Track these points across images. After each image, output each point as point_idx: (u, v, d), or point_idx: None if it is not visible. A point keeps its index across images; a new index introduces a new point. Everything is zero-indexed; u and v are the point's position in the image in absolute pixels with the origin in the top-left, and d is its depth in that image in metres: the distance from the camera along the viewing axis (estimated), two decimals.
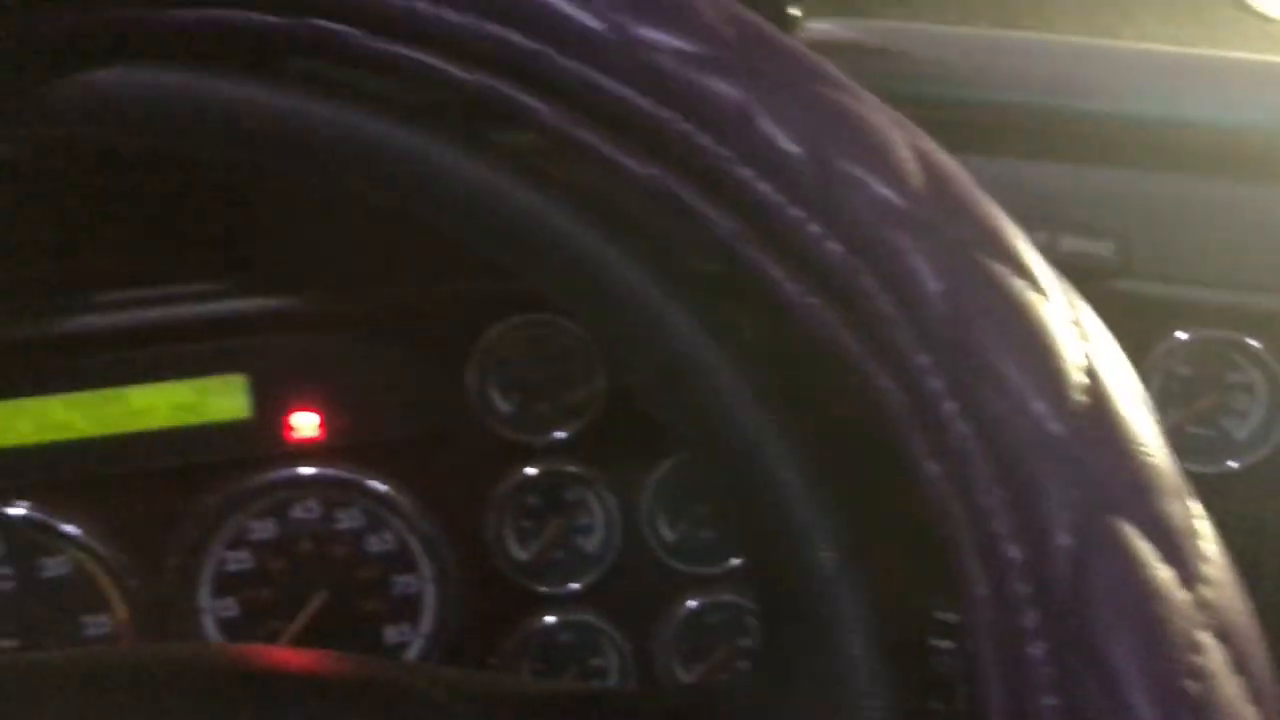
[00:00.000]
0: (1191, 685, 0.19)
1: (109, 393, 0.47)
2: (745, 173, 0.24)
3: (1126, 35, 0.49)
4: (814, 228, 0.24)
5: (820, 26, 0.42)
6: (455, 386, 0.49)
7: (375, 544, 0.50)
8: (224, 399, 0.48)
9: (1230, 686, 0.19)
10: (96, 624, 0.49)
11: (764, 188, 0.24)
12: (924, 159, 0.24)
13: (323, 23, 0.27)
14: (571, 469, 0.50)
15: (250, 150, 0.29)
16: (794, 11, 0.40)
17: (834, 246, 0.23)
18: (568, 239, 0.29)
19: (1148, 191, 0.41)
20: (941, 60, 0.40)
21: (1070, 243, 0.39)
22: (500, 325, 0.49)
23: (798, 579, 0.27)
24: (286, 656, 0.32)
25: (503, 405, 0.50)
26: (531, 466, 0.50)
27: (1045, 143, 0.41)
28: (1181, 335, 0.45)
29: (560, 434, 0.50)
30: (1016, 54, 0.42)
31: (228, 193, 0.46)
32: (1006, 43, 0.44)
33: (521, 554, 0.51)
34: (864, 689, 0.25)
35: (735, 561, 0.51)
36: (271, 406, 0.48)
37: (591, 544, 0.52)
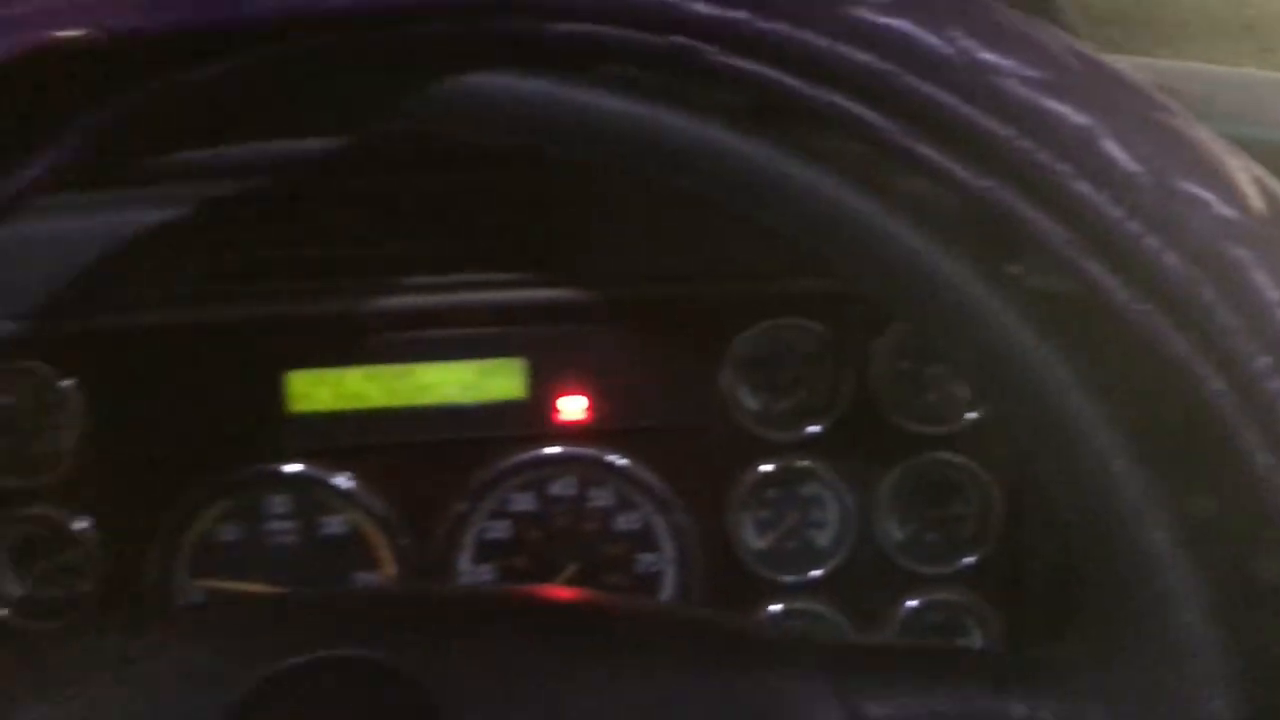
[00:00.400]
0: None
1: (401, 368, 0.51)
2: (1084, 188, 0.27)
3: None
4: (1152, 241, 0.26)
5: None
6: (709, 383, 0.53)
7: (623, 523, 0.54)
8: (503, 380, 0.52)
9: None
10: (366, 580, 0.53)
11: (1104, 201, 0.27)
12: (1260, 183, 0.27)
13: (688, 40, 0.31)
14: (810, 466, 0.54)
15: (599, 151, 0.33)
16: None
17: (1172, 259, 0.26)
18: (900, 245, 0.32)
19: None
20: (1224, 98, 0.43)
21: None
22: (754, 328, 0.52)
23: (1129, 558, 0.29)
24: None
25: (750, 402, 0.53)
26: (773, 461, 0.53)
27: None
28: None
29: (802, 433, 0.53)
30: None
31: (518, 193, 0.50)
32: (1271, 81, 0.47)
33: (758, 543, 0.54)
34: (1198, 652, 0.28)
35: (965, 561, 0.54)
36: (544, 389, 0.52)
37: (824, 538, 0.55)
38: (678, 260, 0.50)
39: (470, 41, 0.32)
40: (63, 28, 0.27)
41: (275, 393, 0.51)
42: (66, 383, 0.50)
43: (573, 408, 0.52)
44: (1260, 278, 0.25)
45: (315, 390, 0.51)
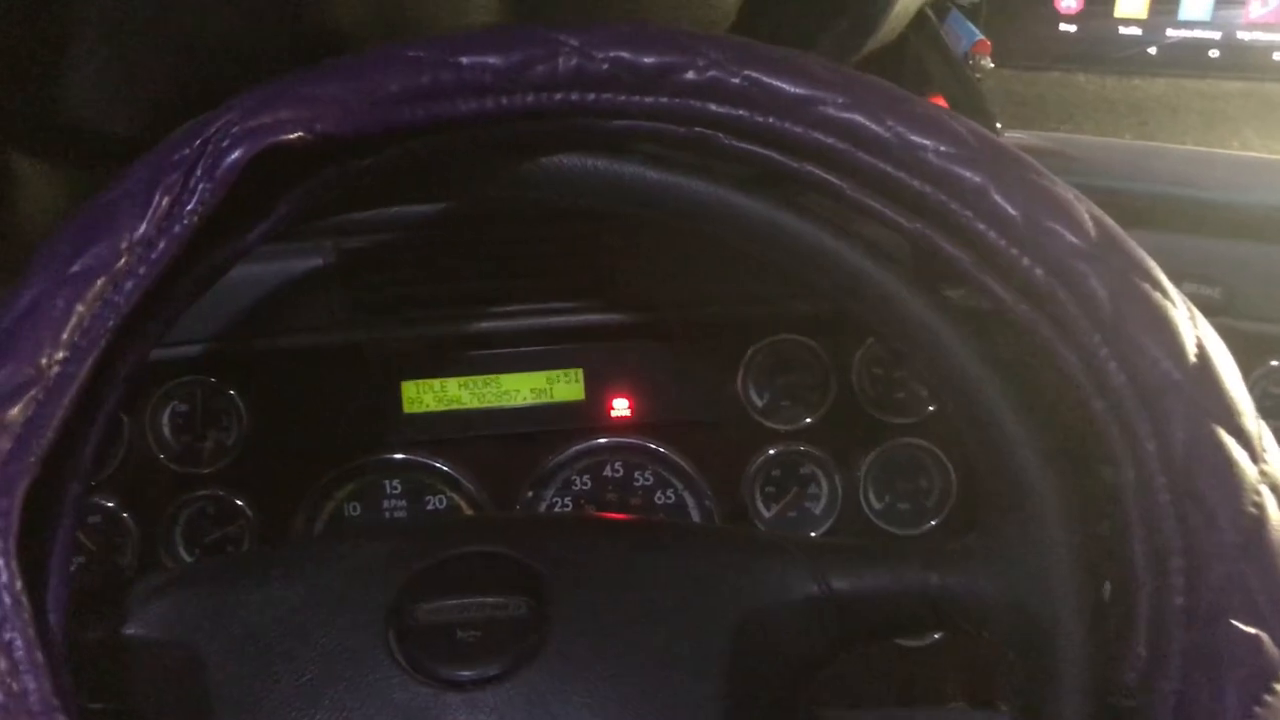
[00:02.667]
0: (1253, 511, 0.35)
1: (488, 378, 0.66)
2: (980, 226, 0.41)
3: (1233, 145, 0.67)
4: (1025, 260, 0.40)
5: (1015, 135, 0.61)
6: (727, 385, 0.67)
7: (660, 499, 0.68)
8: (566, 386, 0.66)
9: (1276, 514, 0.36)
10: None
11: (993, 235, 0.40)
12: (1095, 219, 0.40)
13: (706, 130, 0.44)
14: (806, 450, 0.68)
15: (643, 208, 0.47)
16: (998, 125, 0.59)
17: (1039, 272, 0.40)
18: (865, 274, 0.45)
19: (1247, 254, 0.59)
20: (1101, 161, 0.58)
21: (1189, 287, 0.56)
22: (762, 342, 0.67)
23: (1011, 480, 0.43)
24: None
25: (759, 400, 0.68)
26: (777, 447, 0.68)
27: (1175, 220, 0.58)
28: (1275, 362, 0.62)
29: (799, 424, 0.68)
30: (1153, 158, 0.60)
31: (577, 241, 0.64)
32: (1145, 149, 0.62)
33: (766, 513, 0.69)
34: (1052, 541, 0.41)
35: (930, 524, 0.68)
36: (598, 393, 0.67)
37: (818, 508, 0.69)
38: (702, 289, 0.65)
39: (554, 134, 0.45)
40: (287, 133, 0.37)
41: (392, 398, 0.66)
42: (231, 392, 0.65)
43: (620, 407, 0.67)
44: (1094, 282, 0.38)
45: (423, 396, 0.66)
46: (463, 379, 0.66)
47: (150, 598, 0.43)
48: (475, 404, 0.66)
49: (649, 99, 0.42)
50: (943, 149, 0.40)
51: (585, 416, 0.67)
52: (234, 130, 0.37)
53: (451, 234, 0.64)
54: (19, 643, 0.31)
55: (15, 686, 0.30)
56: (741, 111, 0.42)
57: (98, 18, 0.48)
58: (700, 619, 0.44)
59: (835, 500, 0.69)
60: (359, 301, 0.63)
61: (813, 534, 0.69)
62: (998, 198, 0.39)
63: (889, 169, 0.41)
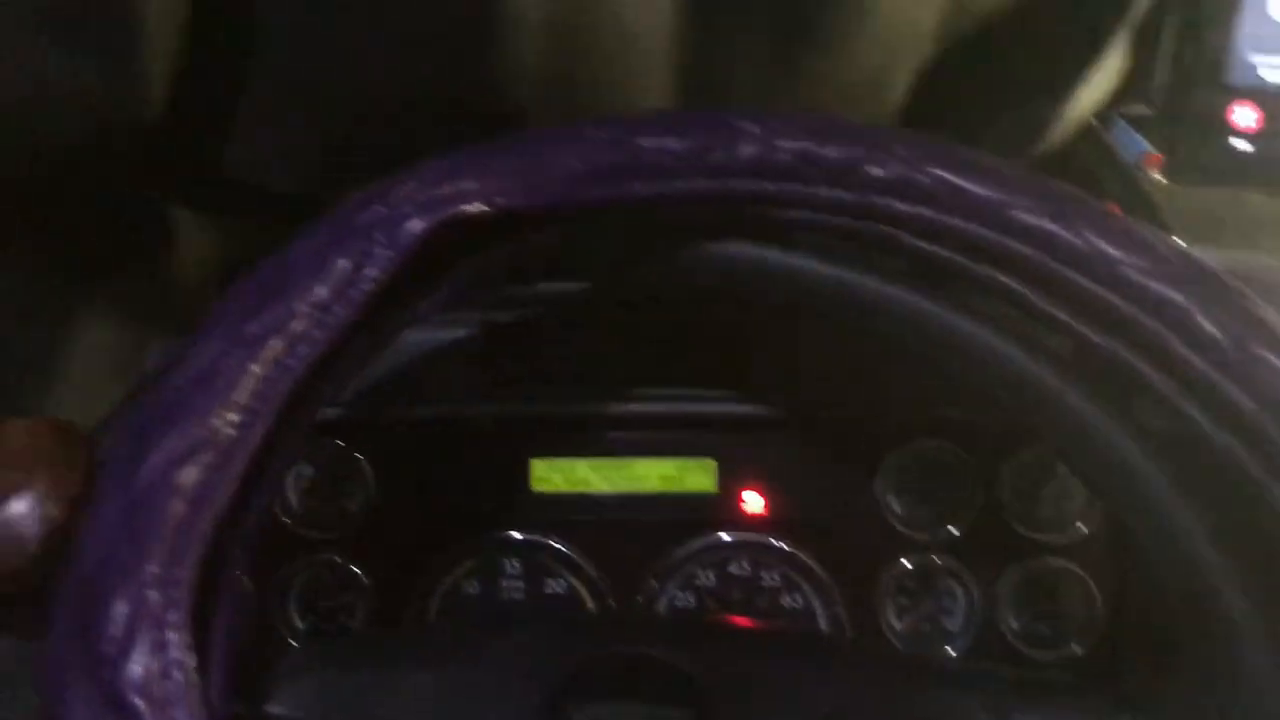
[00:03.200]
0: None
1: (619, 461, 0.64)
2: (1181, 350, 0.38)
3: None
4: (1232, 390, 0.37)
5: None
6: (864, 488, 0.64)
7: (787, 601, 0.65)
8: (698, 475, 0.64)
9: None
10: None
11: (1196, 360, 0.38)
12: None
13: (889, 229, 0.43)
14: (944, 562, 0.65)
15: (807, 303, 0.46)
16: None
17: (1248, 404, 0.37)
18: (1044, 385, 0.43)
19: None
20: None
21: None
22: (905, 446, 0.64)
23: (1212, 622, 0.40)
24: None
25: (897, 506, 0.65)
26: (914, 556, 0.65)
27: None
28: None
29: (939, 534, 0.65)
30: None
31: (719, 328, 0.63)
32: None
33: (898, 624, 0.65)
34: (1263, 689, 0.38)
35: (1072, 649, 0.64)
36: (731, 485, 0.64)
37: (953, 623, 0.65)
38: (846, 386, 0.63)
39: (725, 221, 0.44)
40: (469, 204, 0.37)
41: (520, 475, 0.64)
42: (360, 458, 0.64)
43: (752, 502, 0.65)
44: None
45: (551, 475, 0.64)
46: (593, 460, 0.64)
47: (296, 676, 0.42)
48: (604, 487, 0.64)
49: (832, 192, 0.41)
50: (1142, 264, 0.38)
51: (716, 509, 0.65)
52: (417, 198, 0.36)
53: (593, 312, 0.63)
54: None
55: None
56: (928, 211, 0.41)
57: (273, 75, 0.48)
58: None
59: (972, 616, 0.65)
60: (495, 375, 0.62)
61: (948, 649, 0.65)
62: (1202, 320, 0.37)
63: (1082, 281, 0.39)
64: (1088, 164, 0.64)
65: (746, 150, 0.41)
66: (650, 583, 0.65)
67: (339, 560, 0.64)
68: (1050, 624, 0.65)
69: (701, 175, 0.41)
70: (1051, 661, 0.65)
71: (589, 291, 0.61)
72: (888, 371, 0.62)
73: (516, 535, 0.65)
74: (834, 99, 0.54)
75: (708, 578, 0.66)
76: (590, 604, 0.65)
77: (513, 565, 0.65)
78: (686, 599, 0.66)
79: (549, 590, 0.65)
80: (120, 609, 0.29)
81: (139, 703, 0.28)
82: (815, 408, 0.63)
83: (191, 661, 0.30)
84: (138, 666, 0.28)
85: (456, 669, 0.43)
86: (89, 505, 0.34)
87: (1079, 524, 0.64)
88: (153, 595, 0.29)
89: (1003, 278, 0.41)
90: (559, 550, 0.65)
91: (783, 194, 0.41)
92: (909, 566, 0.65)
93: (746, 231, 0.44)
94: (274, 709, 0.41)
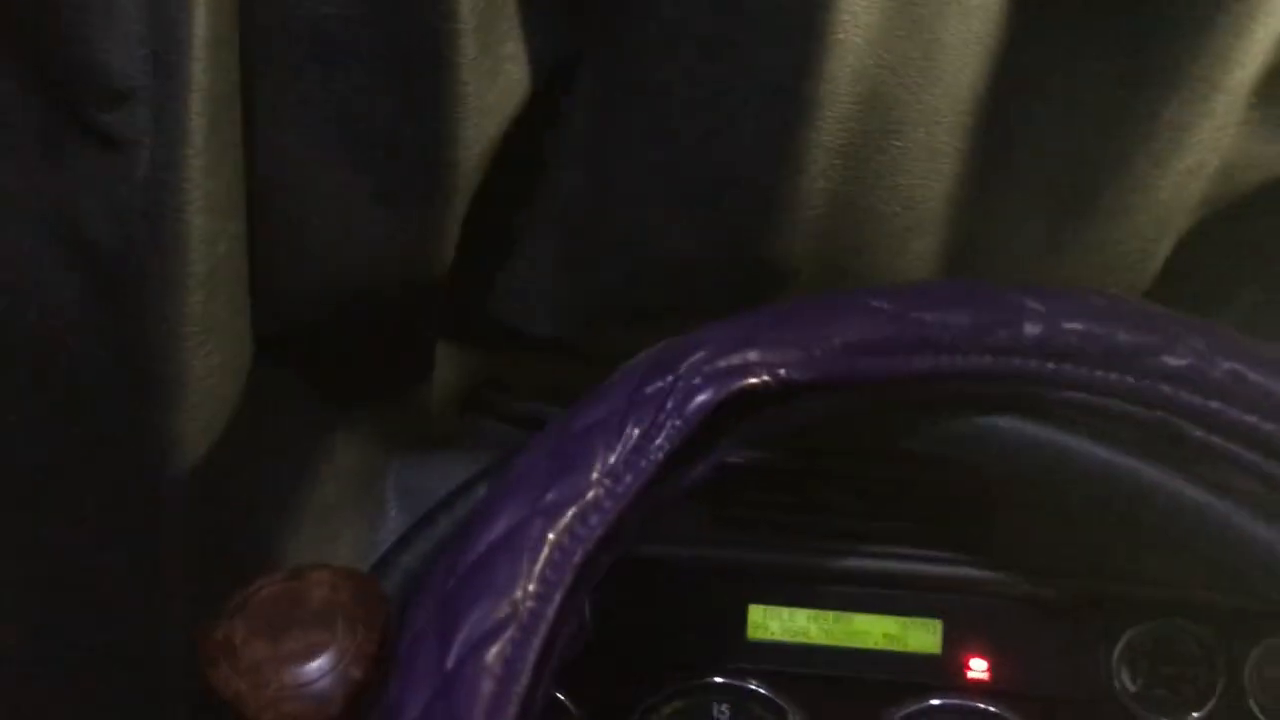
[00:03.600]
0: None
1: (840, 614, 0.63)
2: None
3: None
4: None
5: None
6: (1100, 664, 0.61)
7: None
8: (922, 635, 0.62)
9: None
10: None
11: None
12: None
13: (1175, 419, 0.41)
14: None
15: (1078, 488, 0.44)
16: None
17: None
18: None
19: None
20: None
21: None
22: (1144, 624, 0.61)
23: None
24: None
25: (1132, 685, 0.62)
26: None
27: None
28: None
29: (1176, 718, 0.61)
30: None
31: (951, 490, 0.61)
32: None
33: None
34: None
35: None
36: (955, 649, 0.62)
37: None
38: (1084, 559, 0.60)
39: (998, 398, 0.43)
40: (756, 376, 0.37)
41: (737, 620, 0.63)
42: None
43: (978, 668, 0.62)
44: None
45: (769, 622, 0.63)
46: (813, 611, 0.63)
47: None
48: (823, 640, 0.63)
49: (1115, 376, 0.40)
50: None
51: (938, 672, 0.62)
52: (706, 369, 0.36)
53: (827, 463, 0.62)
54: None
55: None
56: (1218, 405, 0.39)
57: (556, 229, 0.49)
58: None
59: None
60: (720, 518, 0.62)
61: None
62: None
63: None
64: None
65: (1031, 329, 0.40)
66: None
67: (552, 694, 0.64)
68: None
69: (982, 352, 0.40)
70: None
71: (824, 442, 0.60)
72: (1132, 546, 0.59)
73: (728, 681, 0.63)
74: (1098, 269, 0.52)
75: None
76: None
77: (721, 710, 0.64)
78: None
79: None
80: None
81: None
82: (1052, 577, 0.61)
83: None
84: None
85: None
86: (387, 664, 0.34)
87: None
88: None
89: (1268, 465, 0.39)
90: (771, 700, 0.63)
91: (1064, 375, 0.40)
92: None
93: (1018, 408, 0.43)
94: None
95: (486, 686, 0.31)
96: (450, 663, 0.31)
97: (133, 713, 0.49)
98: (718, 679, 0.63)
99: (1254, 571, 0.42)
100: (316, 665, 0.34)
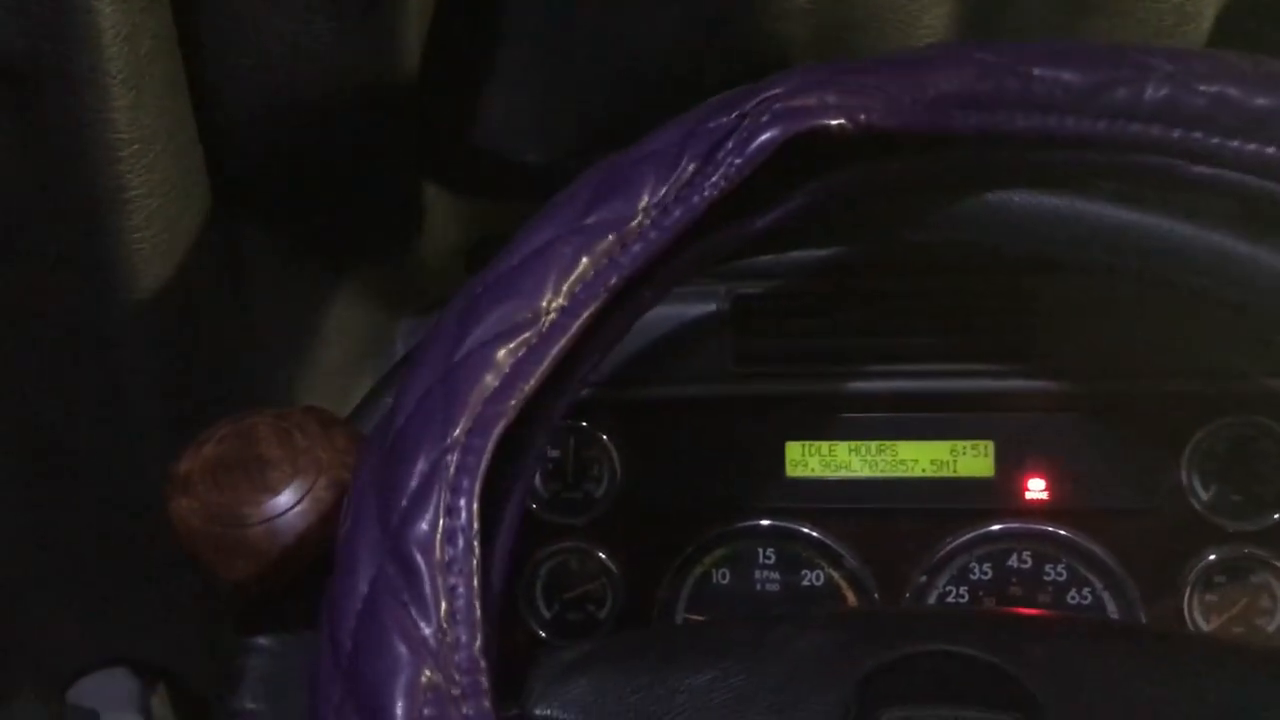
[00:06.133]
0: None
1: (883, 443, 0.59)
2: None
3: None
4: None
5: None
6: (1165, 472, 0.57)
7: (1074, 598, 0.59)
8: (973, 459, 0.58)
9: None
10: None
11: None
12: None
13: (1161, 159, 0.36)
14: (1260, 554, 0.57)
15: (1110, 255, 0.39)
16: None
17: None
18: None
19: None
20: None
21: None
22: (1213, 424, 0.57)
23: None
24: None
25: (1204, 491, 0.57)
26: (1223, 548, 0.57)
27: None
28: None
29: (1254, 522, 0.57)
30: None
31: (992, 295, 0.57)
32: None
33: (1205, 624, 0.58)
34: None
35: None
36: (1009, 470, 0.58)
37: (1272, 624, 0.58)
38: (1142, 358, 0.56)
39: (1009, 168, 0.39)
40: (830, 118, 0.33)
41: (775, 459, 0.60)
42: (605, 439, 0.60)
43: (1035, 488, 0.58)
44: None
45: (808, 459, 0.60)
46: (854, 443, 0.59)
47: (568, 677, 0.39)
48: (866, 472, 0.59)
49: (1252, 145, 0.35)
50: None
51: (993, 496, 0.58)
52: (775, 107, 0.33)
53: (855, 282, 0.57)
54: (461, 590, 0.28)
55: (449, 636, 0.28)
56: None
57: (527, 42, 0.45)
58: None
59: None
60: (747, 353, 0.58)
61: None
62: None
63: None
64: None
65: (1156, 92, 0.35)
66: (918, 577, 0.59)
67: (585, 547, 0.61)
68: None
69: (1096, 115, 0.35)
70: None
71: (840, 258, 0.56)
72: (1194, 340, 0.54)
73: (770, 523, 0.60)
74: (1133, 36, 0.47)
75: (983, 571, 0.60)
76: (852, 598, 0.60)
77: (766, 555, 0.61)
78: (958, 595, 0.60)
79: (805, 583, 0.61)
80: (419, 467, 0.29)
81: (420, 561, 0.28)
82: (1109, 383, 0.56)
83: (475, 528, 0.29)
84: (424, 524, 0.28)
85: (750, 667, 0.39)
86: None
87: None
88: (451, 459, 0.29)
89: None
90: (817, 540, 0.60)
91: (1191, 144, 0.36)
92: (1217, 559, 0.57)
93: (1027, 180, 0.38)
94: (545, 711, 0.38)
95: (489, 378, 0.30)
96: (459, 354, 0.30)
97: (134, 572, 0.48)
98: (759, 523, 0.60)
99: None
100: (279, 500, 0.31)
